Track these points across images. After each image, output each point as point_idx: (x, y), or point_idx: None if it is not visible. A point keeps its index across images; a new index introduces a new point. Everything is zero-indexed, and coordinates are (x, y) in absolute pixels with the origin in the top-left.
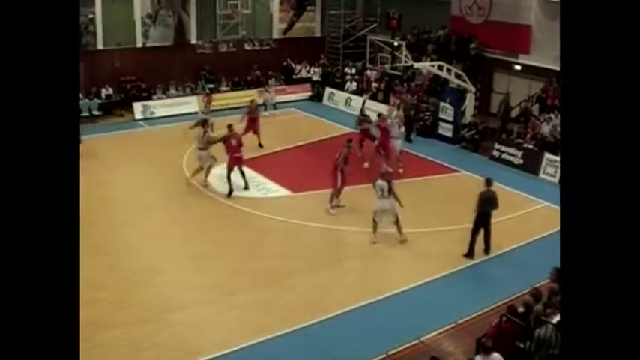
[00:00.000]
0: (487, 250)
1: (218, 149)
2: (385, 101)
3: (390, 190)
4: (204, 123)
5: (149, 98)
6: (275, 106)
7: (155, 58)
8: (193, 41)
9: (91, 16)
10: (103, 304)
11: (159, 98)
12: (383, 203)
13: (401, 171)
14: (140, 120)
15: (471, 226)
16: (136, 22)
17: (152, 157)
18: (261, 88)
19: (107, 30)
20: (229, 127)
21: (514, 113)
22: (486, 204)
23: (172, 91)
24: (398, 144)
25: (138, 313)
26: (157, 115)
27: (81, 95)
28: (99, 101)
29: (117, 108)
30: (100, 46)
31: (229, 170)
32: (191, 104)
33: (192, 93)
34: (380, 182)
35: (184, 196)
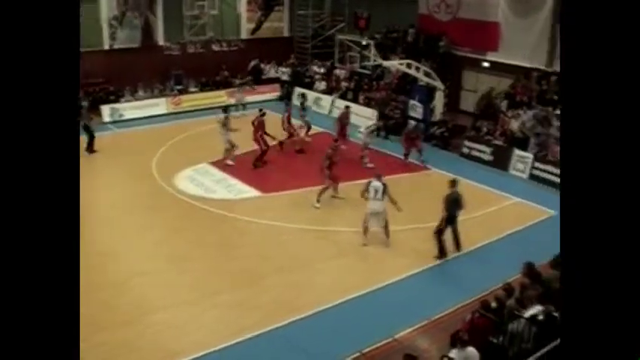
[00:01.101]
0: (458, 247)
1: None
2: (355, 100)
3: (385, 192)
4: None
5: (117, 101)
6: (245, 106)
7: (122, 60)
8: (161, 42)
9: None
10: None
11: (127, 101)
12: (376, 205)
13: (370, 165)
14: (109, 123)
15: (436, 225)
16: (102, 24)
17: (122, 160)
18: (233, 89)
19: None
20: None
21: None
22: (453, 205)
23: (141, 93)
24: (367, 139)
25: (115, 317)
26: (126, 117)
27: None
28: None
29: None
30: None
31: None
32: (160, 106)
33: (161, 95)
34: (375, 183)
35: (155, 199)
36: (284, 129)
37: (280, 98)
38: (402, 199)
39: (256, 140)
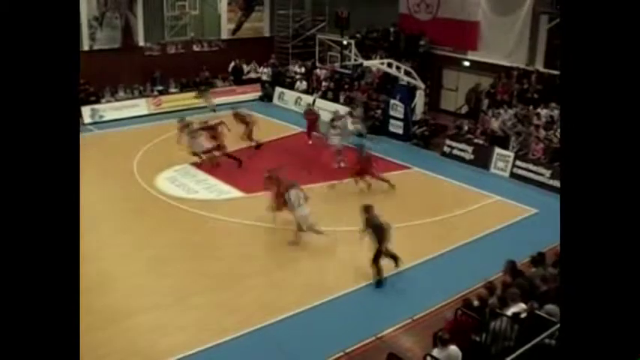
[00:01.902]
0: (396, 262)
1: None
2: (335, 100)
3: (306, 197)
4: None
5: (97, 102)
6: (215, 109)
7: (103, 61)
8: (141, 43)
9: None
10: None
11: (107, 101)
12: (305, 211)
13: (342, 165)
14: (89, 124)
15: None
16: (82, 25)
17: (102, 161)
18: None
19: None
20: None
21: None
22: (379, 231)
23: (121, 94)
24: (337, 140)
25: (95, 320)
26: (107, 118)
27: None
28: None
29: None
30: None
31: None
32: (140, 107)
33: (142, 95)
34: (293, 191)
35: (136, 200)
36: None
37: (261, 98)
38: (381, 198)
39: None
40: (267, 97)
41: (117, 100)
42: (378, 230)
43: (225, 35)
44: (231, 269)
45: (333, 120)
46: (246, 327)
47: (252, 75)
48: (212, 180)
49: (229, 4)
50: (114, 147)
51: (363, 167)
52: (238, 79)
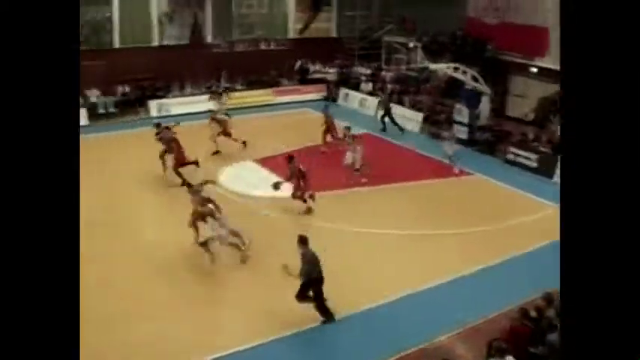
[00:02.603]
0: (328, 315)
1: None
2: (400, 102)
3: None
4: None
5: (165, 96)
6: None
7: (171, 57)
8: (209, 40)
9: (107, 14)
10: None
11: (174, 96)
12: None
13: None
14: (156, 118)
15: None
16: (152, 21)
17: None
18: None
19: (124, 28)
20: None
21: (530, 117)
22: (312, 266)
23: (188, 89)
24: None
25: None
26: (173, 113)
27: (98, 93)
28: (115, 99)
29: (133, 106)
30: (116, 45)
31: None
32: (206, 103)
33: (208, 92)
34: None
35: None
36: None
37: (325, 98)
38: (444, 204)
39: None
40: (331, 98)
41: (183, 96)
42: (312, 266)
43: (292, 35)
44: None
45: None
46: (297, 327)
47: (318, 75)
48: (274, 177)
49: (297, 3)
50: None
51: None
52: (303, 79)
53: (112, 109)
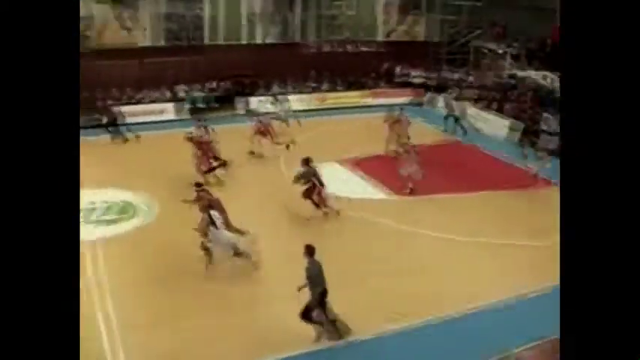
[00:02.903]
0: (340, 333)
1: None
2: (499, 110)
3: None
4: None
5: (252, 94)
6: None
7: (260, 56)
8: (298, 40)
9: (198, 12)
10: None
11: (263, 95)
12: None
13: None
14: (244, 114)
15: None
16: (242, 19)
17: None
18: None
19: (214, 26)
20: None
21: None
22: (319, 279)
23: (276, 88)
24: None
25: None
26: (259, 111)
27: (186, 88)
28: (203, 95)
29: (226, 102)
30: (206, 42)
31: None
32: (292, 102)
33: (295, 91)
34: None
35: (282, 193)
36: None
37: (411, 102)
38: (522, 214)
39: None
40: (417, 102)
41: (272, 94)
42: (319, 279)
43: (380, 37)
44: (362, 269)
45: None
46: (371, 332)
47: (404, 79)
48: (358, 179)
49: (386, 6)
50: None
51: None
52: (390, 82)
53: (199, 105)
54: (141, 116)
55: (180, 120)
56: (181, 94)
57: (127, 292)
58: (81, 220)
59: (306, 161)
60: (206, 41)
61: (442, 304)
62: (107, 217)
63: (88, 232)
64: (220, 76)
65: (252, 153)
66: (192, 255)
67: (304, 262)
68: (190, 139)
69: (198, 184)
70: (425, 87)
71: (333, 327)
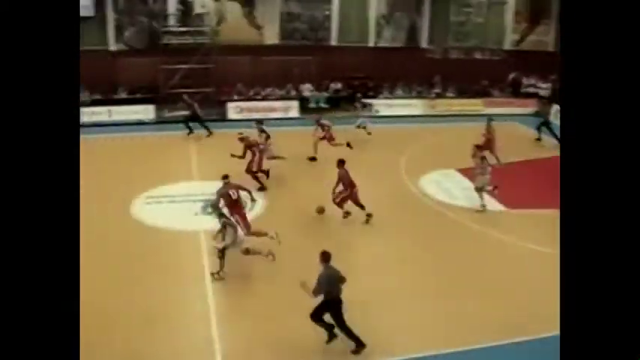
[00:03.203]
0: (359, 345)
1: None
2: None
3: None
4: None
5: (375, 97)
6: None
7: (385, 59)
8: (424, 45)
9: (327, 12)
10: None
11: (385, 98)
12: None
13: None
14: (363, 117)
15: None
16: (370, 22)
17: (368, 156)
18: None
19: (342, 27)
20: None
21: None
22: (333, 285)
23: (399, 92)
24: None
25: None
26: (381, 113)
27: (311, 87)
28: (327, 95)
29: (343, 103)
30: (333, 42)
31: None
32: (416, 107)
33: (419, 96)
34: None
35: (399, 198)
36: None
37: (537, 114)
38: None
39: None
40: (543, 114)
41: (394, 98)
42: (333, 284)
43: (507, 46)
44: (474, 281)
45: None
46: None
47: (531, 89)
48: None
49: (516, 14)
50: (384, 142)
51: None
52: (516, 92)
53: (322, 104)
54: (264, 112)
55: (303, 118)
56: (306, 93)
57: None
58: (195, 212)
59: (341, 163)
60: (333, 42)
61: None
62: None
63: (203, 223)
64: (344, 77)
65: (313, 159)
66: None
67: (319, 268)
68: (241, 140)
69: (224, 176)
70: (551, 99)
71: (353, 336)
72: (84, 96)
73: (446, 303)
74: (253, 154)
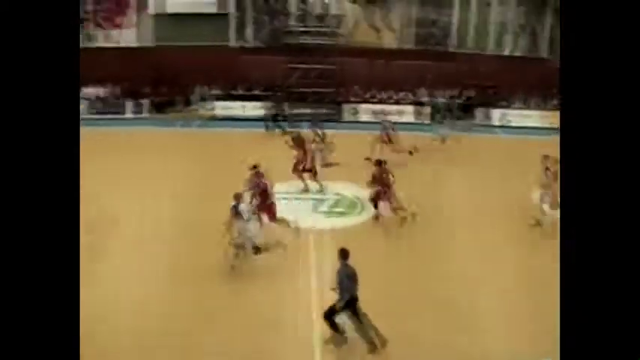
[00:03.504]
0: (374, 345)
1: None
2: None
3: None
4: None
5: (508, 107)
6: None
7: (505, 67)
8: (545, 55)
9: (448, 18)
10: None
11: (519, 108)
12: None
13: None
14: (495, 127)
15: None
16: (490, 29)
17: (505, 160)
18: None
19: (462, 33)
20: None
21: None
22: (351, 283)
23: (532, 102)
24: None
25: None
26: (513, 124)
27: (442, 93)
28: (458, 101)
29: (467, 111)
30: (453, 49)
31: None
32: (540, 118)
33: (540, 108)
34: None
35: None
36: None
37: None
38: None
39: None
40: None
41: (528, 108)
42: (350, 283)
43: None
44: None
45: None
46: None
47: None
48: None
49: None
50: (514, 153)
51: None
52: None
53: (442, 111)
54: (379, 115)
55: (419, 123)
56: (423, 99)
57: None
58: (310, 209)
59: (379, 162)
60: (452, 48)
61: None
62: (337, 210)
63: (317, 222)
64: (463, 84)
65: (367, 159)
66: None
67: (337, 265)
68: (292, 140)
69: (254, 167)
70: None
71: (368, 336)
72: (203, 90)
73: None
74: (304, 154)
